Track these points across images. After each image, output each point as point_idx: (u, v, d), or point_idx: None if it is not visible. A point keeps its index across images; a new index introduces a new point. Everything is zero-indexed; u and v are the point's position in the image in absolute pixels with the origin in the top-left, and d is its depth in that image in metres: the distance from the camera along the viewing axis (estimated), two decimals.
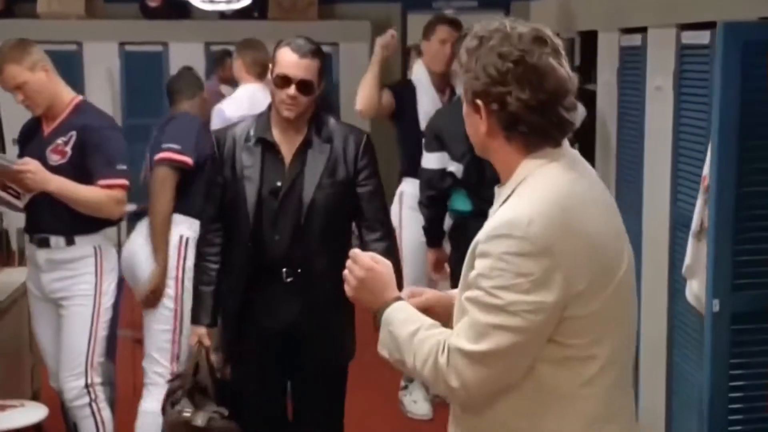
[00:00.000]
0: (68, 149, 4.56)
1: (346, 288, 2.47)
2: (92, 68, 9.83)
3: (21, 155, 4.67)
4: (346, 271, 2.47)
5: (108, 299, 4.67)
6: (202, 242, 4.11)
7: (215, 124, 5.63)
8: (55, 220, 4.56)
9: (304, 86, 3.83)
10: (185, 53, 9.60)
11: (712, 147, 3.74)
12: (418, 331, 2.32)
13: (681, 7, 4.56)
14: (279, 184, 3.89)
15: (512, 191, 2.28)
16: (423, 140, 5.25)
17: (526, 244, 2.15)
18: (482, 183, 4.79)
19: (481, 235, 2.25)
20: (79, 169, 4.51)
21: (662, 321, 4.77)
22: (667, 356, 4.76)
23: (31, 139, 4.69)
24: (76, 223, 4.56)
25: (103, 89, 9.80)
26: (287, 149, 3.93)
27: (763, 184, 3.77)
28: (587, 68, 5.98)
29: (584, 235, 2.21)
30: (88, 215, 4.53)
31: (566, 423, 2.25)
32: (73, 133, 4.57)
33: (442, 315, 2.45)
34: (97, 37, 9.88)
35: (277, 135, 3.93)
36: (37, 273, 4.67)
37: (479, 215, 4.90)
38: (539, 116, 2.23)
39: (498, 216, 2.24)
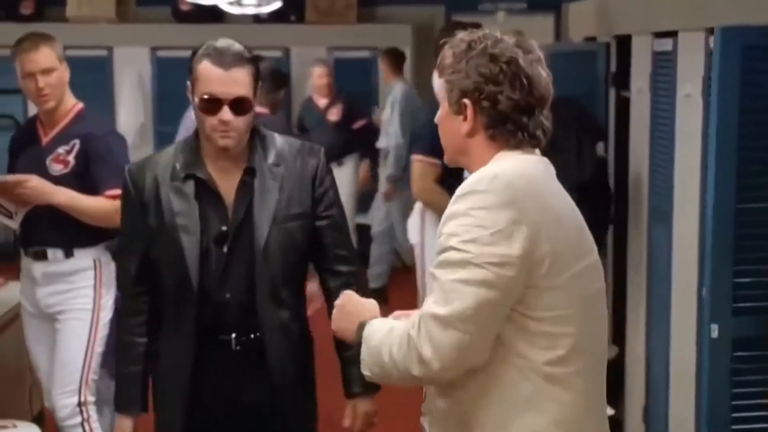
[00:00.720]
0: (71, 159, 4.45)
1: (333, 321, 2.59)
2: (123, 74, 9.78)
3: (12, 165, 4.55)
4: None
5: (106, 314, 4.52)
6: (124, 311, 3.34)
7: (181, 133, 5.41)
8: (54, 232, 4.44)
9: (239, 106, 3.07)
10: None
11: (709, 160, 3.53)
12: (392, 330, 2.35)
13: (711, 9, 4.37)
14: (224, 228, 3.15)
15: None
16: None
17: (491, 196, 2.24)
18: None
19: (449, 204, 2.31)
20: (84, 179, 4.40)
21: (691, 335, 4.55)
22: (696, 380, 4.51)
23: (27, 148, 4.56)
24: (76, 235, 4.45)
25: (134, 95, 9.73)
26: (226, 184, 3.17)
27: (763, 200, 3.57)
28: (623, 75, 5.76)
29: (547, 205, 2.30)
30: (88, 227, 4.41)
31: (537, 404, 2.28)
32: (76, 141, 4.46)
33: None
34: (127, 41, 9.80)
35: (211, 167, 3.17)
36: (32, 287, 4.55)
37: None
38: (527, 117, 2.34)
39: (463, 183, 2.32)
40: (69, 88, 4.57)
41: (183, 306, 3.16)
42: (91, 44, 9.28)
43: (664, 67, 4.96)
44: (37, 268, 4.50)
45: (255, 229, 3.13)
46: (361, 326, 2.43)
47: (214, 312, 3.15)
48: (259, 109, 3.94)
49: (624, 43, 5.72)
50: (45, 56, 4.43)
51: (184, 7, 9.89)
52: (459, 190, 2.29)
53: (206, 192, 3.16)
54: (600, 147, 5.33)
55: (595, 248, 2.41)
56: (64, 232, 4.42)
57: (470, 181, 2.29)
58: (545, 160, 2.42)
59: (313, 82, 8.96)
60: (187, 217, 3.13)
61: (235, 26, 9.86)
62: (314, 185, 3.23)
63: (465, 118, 2.37)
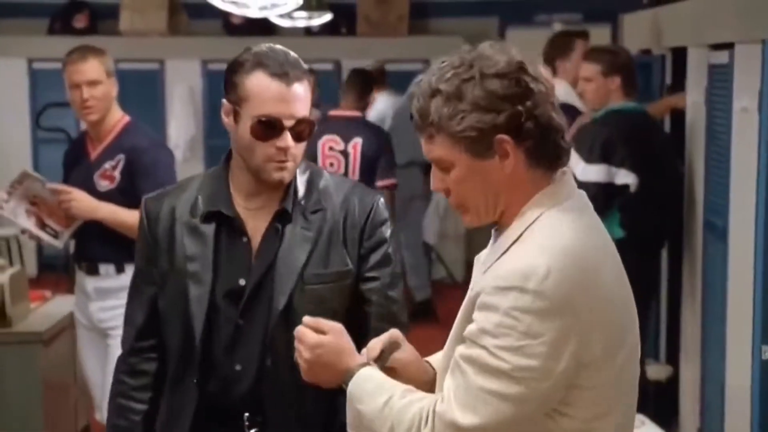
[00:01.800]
0: (116, 174, 4.45)
1: (302, 373, 2.17)
2: (174, 87, 9.81)
3: (66, 180, 4.58)
4: (295, 355, 2.17)
5: None
6: (123, 366, 2.72)
7: None
8: (105, 247, 4.44)
9: (301, 130, 2.53)
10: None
11: (766, 175, 3.42)
12: (391, 400, 2.02)
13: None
14: (242, 282, 2.58)
15: (519, 236, 1.99)
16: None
17: (541, 300, 1.88)
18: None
19: (483, 285, 1.95)
20: (128, 194, 4.38)
21: (747, 355, 4.42)
22: (751, 402, 4.40)
23: (77, 164, 4.58)
24: (127, 250, 4.35)
25: (186, 109, 9.77)
26: (256, 226, 2.60)
27: None
28: (679, 88, 5.67)
29: (603, 294, 1.96)
30: None
31: None
32: (121, 156, 4.45)
33: (414, 375, 2.16)
34: (179, 54, 9.84)
35: (240, 205, 2.61)
36: (85, 301, 4.55)
37: (634, 244, 4.77)
38: (560, 118, 2.02)
39: (505, 264, 1.96)
40: (119, 101, 4.57)
41: (186, 373, 2.61)
42: (143, 57, 9.34)
43: (720, 80, 4.89)
44: (90, 283, 4.50)
45: (275, 290, 2.54)
46: (346, 383, 2.10)
47: (221, 385, 2.60)
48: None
49: (679, 55, 5.65)
50: (92, 68, 4.42)
51: (235, 20, 9.89)
52: (501, 279, 1.92)
53: (230, 235, 2.60)
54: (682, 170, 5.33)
55: (636, 319, 2.07)
56: (116, 247, 4.40)
57: (516, 271, 1.91)
58: (581, 199, 2.08)
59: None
60: (198, 263, 2.57)
61: (286, 39, 9.83)
62: (362, 237, 2.61)
63: (504, 157, 1.98)
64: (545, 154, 2.01)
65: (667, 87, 5.91)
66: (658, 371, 5.57)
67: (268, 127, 2.49)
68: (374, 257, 2.61)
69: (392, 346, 2.20)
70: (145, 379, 2.68)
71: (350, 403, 2.08)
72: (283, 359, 2.49)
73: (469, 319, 1.97)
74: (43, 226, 4.45)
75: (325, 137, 6.51)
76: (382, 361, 2.17)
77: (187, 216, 2.61)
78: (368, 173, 6.50)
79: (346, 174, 6.46)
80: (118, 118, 4.54)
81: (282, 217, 2.58)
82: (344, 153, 6.55)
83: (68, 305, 5.05)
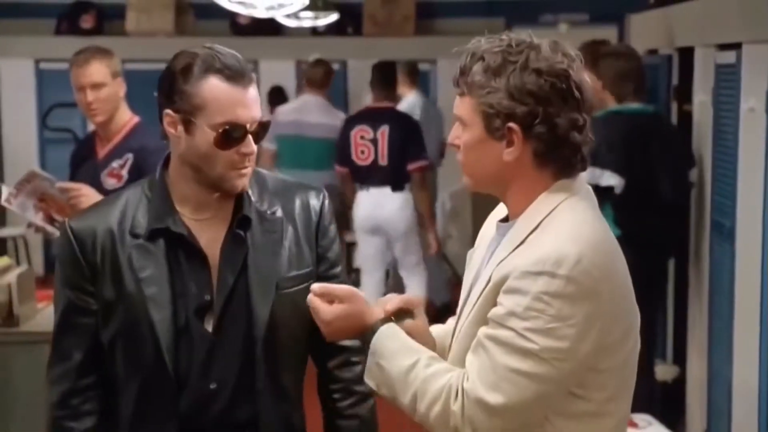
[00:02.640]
0: (124, 173, 4.42)
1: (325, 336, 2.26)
2: None
3: (73, 178, 4.56)
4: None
5: None
6: (63, 411, 2.46)
7: None
8: None
9: (260, 131, 2.39)
10: (276, 71, 9.46)
11: (766, 171, 3.41)
12: (416, 366, 2.09)
13: None
14: (207, 298, 2.41)
15: (537, 225, 2.06)
16: None
17: (571, 285, 1.98)
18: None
19: (510, 269, 2.02)
20: None
21: (754, 356, 4.46)
22: (758, 403, 4.42)
23: (84, 162, 4.57)
24: None
25: None
26: (210, 237, 2.43)
27: None
28: (685, 88, 5.66)
29: (620, 281, 2.08)
30: None
31: None
32: (129, 155, 4.44)
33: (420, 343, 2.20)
34: None
35: (187, 217, 2.43)
36: None
37: (628, 241, 4.89)
38: (580, 134, 2.07)
39: (534, 251, 2.02)
40: (127, 102, 4.55)
41: (153, 402, 2.42)
42: (150, 58, 9.30)
43: (727, 80, 4.87)
44: None
45: (252, 299, 2.40)
46: (368, 337, 2.16)
47: (193, 406, 2.42)
48: None
49: (686, 55, 5.64)
50: (96, 70, 4.40)
51: (242, 21, 9.90)
52: (531, 264, 1.99)
53: (181, 251, 2.41)
54: (693, 173, 5.27)
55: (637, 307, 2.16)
56: None
57: (548, 257, 1.98)
58: (590, 191, 2.16)
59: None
60: (155, 285, 2.37)
61: (293, 39, 9.85)
62: (317, 237, 2.52)
63: (509, 144, 2.06)
64: (553, 161, 2.08)
65: (674, 87, 5.90)
66: (665, 371, 5.56)
67: (232, 135, 2.33)
68: (331, 255, 2.54)
69: (408, 310, 2.25)
70: (90, 421, 2.45)
71: (372, 357, 2.14)
72: (262, 373, 2.41)
73: (491, 302, 2.04)
74: (51, 220, 4.43)
75: (357, 128, 7.00)
76: (398, 320, 2.22)
77: (129, 236, 2.40)
78: (397, 158, 6.90)
79: (375, 159, 6.92)
80: (127, 118, 4.53)
81: (242, 224, 2.43)
82: (373, 141, 6.95)
83: None
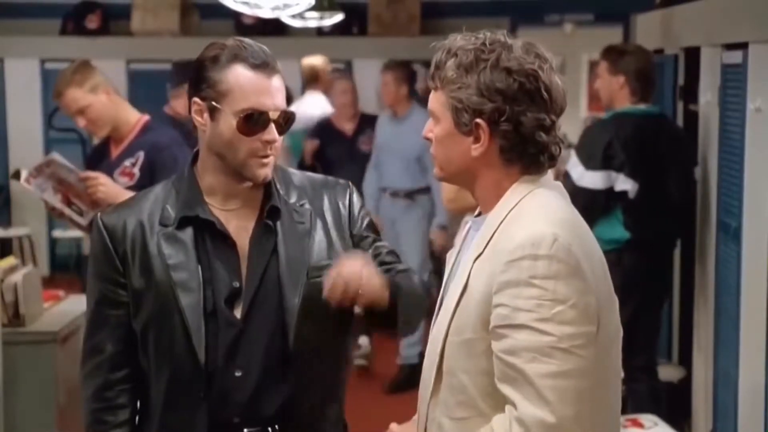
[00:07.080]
0: (136, 171, 4.45)
1: None
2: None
3: None
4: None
5: None
6: (97, 402, 2.51)
7: None
8: None
9: (285, 122, 2.45)
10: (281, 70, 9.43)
11: None
12: None
13: None
14: (236, 285, 2.45)
15: (505, 216, 2.07)
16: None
17: (554, 263, 1.98)
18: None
19: (489, 271, 2.02)
20: None
21: (761, 356, 4.45)
22: (765, 404, 4.42)
23: (100, 162, 4.60)
24: None
25: None
26: (239, 226, 2.49)
27: None
28: (691, 88, 5.65)
29: (597, 263, 2.08)
30: None
31: None
32: (141, 153, 4.46)
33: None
34: (191, 54, 9.49)
35: (216, 208, 2.49)
36: None
37: (637, 244, 4.91)
38: (547, 135, 2.10)
39: (506, 241, 2.02)
40: (133, 101, 4.57)
41: (183, 390, 2.44)
42: (155, 58, 9.32)
43: (733, 80, 4.85)
44: None
45: (283, 287, 2.43)
46: None
47: (220, 394, 2.44)
48: None
49: (692, 55, 5.63)
50: (72, 100, 4.43)
51: (247, 21, 9.90)
52: (506, 253, 2.00)
53: (210, 239, 2.46)
54: (697, 171, 5.27)
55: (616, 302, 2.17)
56: None
57: (522, 242, 1.99)
58: (559, 185, 2.19)
59: (336, 100, 7.69)
60: (184, 271, 2.42)
61: (298, 39, 9.85)
62: (350, 227, 2.58)
63: (476, 140, 2.09)
64: (519, 158, 2.11)
65: (680, 87, 5.88)
66: (670, 372, 5.55)
67: (255, 121, 2.40)
68: (370, 234, 2.60)
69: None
70: (125, 414, 2.50)
71: None
72: (292, 361, 2.44)
73: (482, 313, 2.02)
74: (69, 203, 4.44)
75: None
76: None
77: (159, 226, 2.45)
78: None
79: None
80: (135, 118, 4.56)
81: (271, 214, 2.49)
82: None
83: (82, 305, 5.01)
